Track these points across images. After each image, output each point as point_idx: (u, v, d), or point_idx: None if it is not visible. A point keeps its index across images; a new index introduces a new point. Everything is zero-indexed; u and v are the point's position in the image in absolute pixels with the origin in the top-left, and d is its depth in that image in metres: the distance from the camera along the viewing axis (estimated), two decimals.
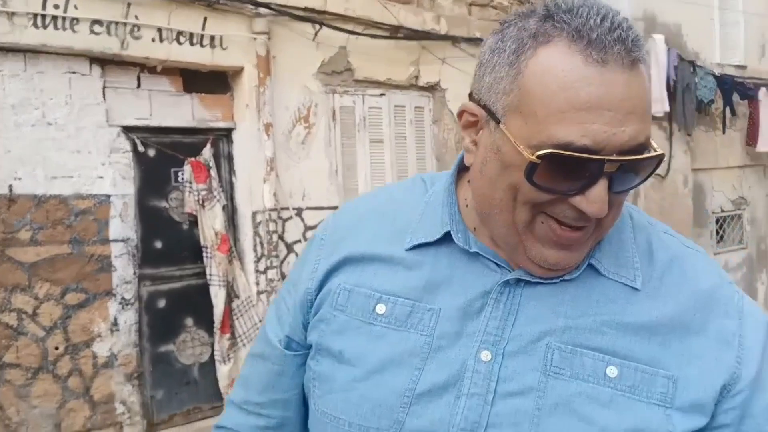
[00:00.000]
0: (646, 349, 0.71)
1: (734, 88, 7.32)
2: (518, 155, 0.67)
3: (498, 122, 0.69)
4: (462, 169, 0.82)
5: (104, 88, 4.02)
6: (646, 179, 0.70)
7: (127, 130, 4.13)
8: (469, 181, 0.79)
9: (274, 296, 4.49)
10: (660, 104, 6.53)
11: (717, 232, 7.69)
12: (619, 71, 0.64)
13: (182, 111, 4.37)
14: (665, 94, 6.53)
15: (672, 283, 0.75)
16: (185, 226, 4.43)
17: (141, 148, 4.18)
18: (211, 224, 4.32)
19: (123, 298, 4.08)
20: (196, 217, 4.34)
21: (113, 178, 4.03)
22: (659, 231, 0.81)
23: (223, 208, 4.44)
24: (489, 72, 0.71)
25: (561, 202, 0.68)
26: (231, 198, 4.63)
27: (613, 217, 0.72)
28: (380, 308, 0.77)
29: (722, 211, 7.74)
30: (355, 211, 0.88)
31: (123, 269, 4.07)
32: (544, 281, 0.74)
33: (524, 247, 0.72)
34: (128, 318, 4.10)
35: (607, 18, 0.65)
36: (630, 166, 0.66)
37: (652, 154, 0.67)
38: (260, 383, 0.90)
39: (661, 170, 6.85)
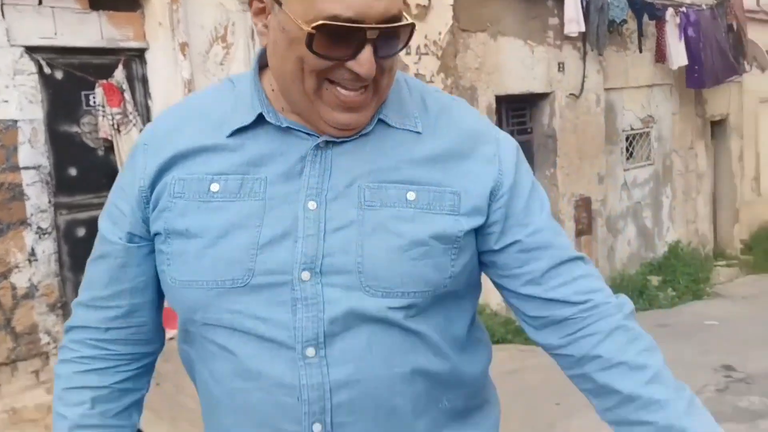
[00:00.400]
0: (433, 175, 0.90)
1: (644, 8, 7.57)
2: (299, 30, 0.80)
3: (280, 4, 0.83)
4: (264, 65, 0.94)
5: (2, 5, 3.74)
6: (404, 47, 0.86)
7: (31, 50, 3.88)
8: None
9: None
10: (575, 24, 6.70)
11: (627, 149, 8.10)
12: None
13: (90, 30, 4.14)
14: (581, 14, 6.68)
15: (444, 125, 0.94)
16: (100, 152, 4.28)
17: (47, 70, 3.96)
18: (128, 149, 4.20)
19: (39, 228, 3.96)
20: (111, 142, 4.20)
21: (19, 101, 3.82)
22: (430, 90, 0.99)
23: (140, 132, 4.31)
24: None
25: (339, 68, 0.83)
26: (147, 122, 4.49)
27: (388, 81, 0.88)
28: (214, 187, 0.89)
29: (632, 129, 8.14)
30: (174, 115, 0.98)
31: (37, 197, 3.93)
32: (348, 140, 0.90)
33: (318, 113, 0.87)
34: (46, 248, 3.99)
35: None
36: (388, 33, 0.81)
37: (405, 23, 0.83)
38: (104, 279, 0.96)
39: (575, 90, 7.11)
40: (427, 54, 5.51)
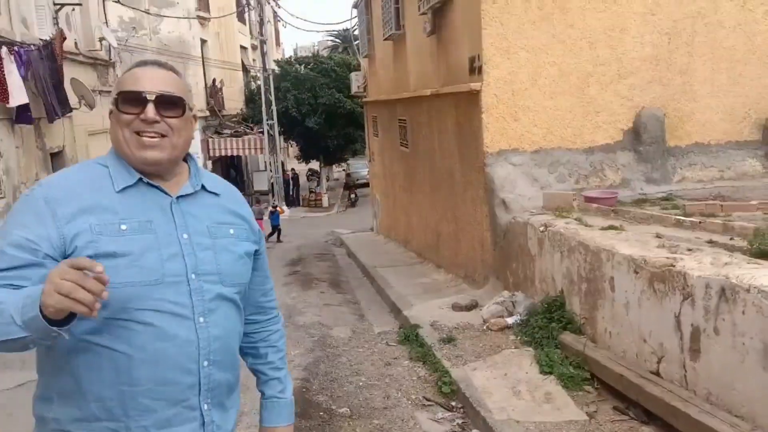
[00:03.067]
0: (236, 219, 1.61)
1: None
2: (114, 102, 1.47)
3: (114, 101, 1.47)
4: None
5: None
6: (179, 113, 1.47)
7: None
8: None
9: None
10: None
11: None
12: (153, 68, 1.49)
13: None
14: None
15: (225, 191, 1.64)
16: None
17: None
18: None
19: None
20: None
21: None
22: (206, 172, 1.67)
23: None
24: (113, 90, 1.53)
25: (136, 120, 1.44)
26: None
27: (181, 138, 1.49)
28: (123, 227, 1.41)
29: None
30: (63, 182, 1.45)
31: None
32: (188, 196, 1.52)
33: (133, 155, 1.45)
34: None
35: (154, 59, 1.55)
36: (162, 99, 1.44)
37: (173, 94, 1.47)
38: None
39: None
40: None
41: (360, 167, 31.53)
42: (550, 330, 4.82)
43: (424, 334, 5.62)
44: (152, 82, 1.44)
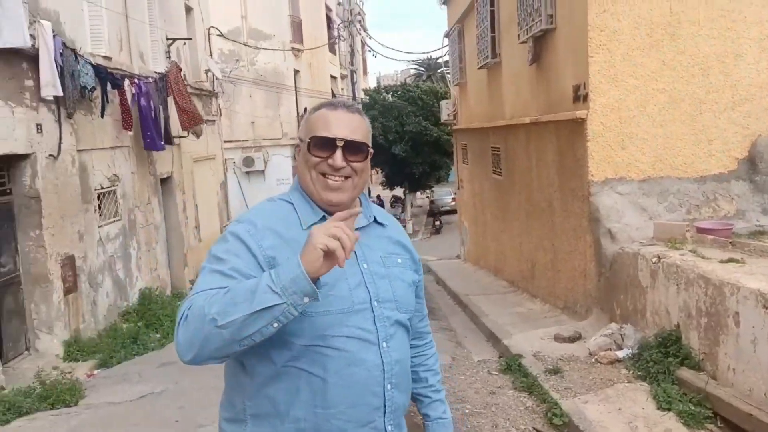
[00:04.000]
0: (401, 249, 1.70)
1: (107, 77, 8.22)
2: (305, 145, 1.56)
3: (302, 141, 1.59)
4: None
5: None
6: (363, 158, 1.57)
7: None
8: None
9: None
10: (52, 88, 6.84)
11: (99, 207, 8.51)
12: (342, 111, 1.57)
13: None
14: (57, 78, 6.86)
15: (389, 222, 1.73)
16: None
17: None
18: None
19: None
20: None
21: None
22: (372, 204, 1.75)
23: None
24: (302, 126, 1.65)
25: (324, 163, 1.54)
26: None
27: (361, 179, 1.58)
28: None
29: (102, 187, 8.60)
30: (260, 217, 1.56)
31: None
32: (363, 227, 1.60)
33: (319, 195, 1.55)
34: None
35: (342, 101, 1.64)
36: (349, 145, 1.53)
37: (359, 141, 1.56)
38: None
39: (53, 151, 7.18)
40: None
41: (444, 194, 31.61)
42: (666, 365, 4.65)
43: (528, 364, 5.54)
44: (340, 128, 1.52)
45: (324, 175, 1.53)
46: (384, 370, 1.52)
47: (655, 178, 6.27)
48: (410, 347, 1.75)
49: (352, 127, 1.54)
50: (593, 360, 5.34)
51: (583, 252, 6.72)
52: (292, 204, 1.58)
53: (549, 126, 7.40)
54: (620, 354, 5.22)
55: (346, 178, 1.54)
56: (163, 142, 10.07)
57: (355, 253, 1.54)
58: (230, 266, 1.44)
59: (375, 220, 1.66)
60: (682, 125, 6.24)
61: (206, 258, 1.52)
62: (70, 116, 7.52)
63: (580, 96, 6.40)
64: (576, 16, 6.44)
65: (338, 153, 1.51)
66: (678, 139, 6.25)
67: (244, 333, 1.31)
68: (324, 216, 1.55)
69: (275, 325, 1.31)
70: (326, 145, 1.51)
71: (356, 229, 1.55)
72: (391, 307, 1.56)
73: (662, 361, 4.69)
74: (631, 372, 4.91)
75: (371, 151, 1.60)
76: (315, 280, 1.30)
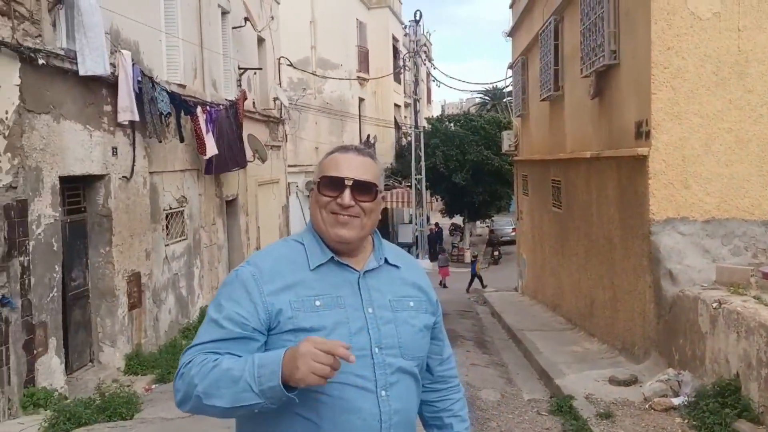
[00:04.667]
0: (415, 291, 1.67)
1: (181, 104, 8.64)
2: (316, 185, 1.60)
3: (315, 184, 1.60)
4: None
5: None
6: (372, 198, 1.58)
7: None
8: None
9: None
10: (129, 113, 7.25)
11: (166, 226, 8.89)
12: (352, 154, 1.60)
13: None
14: (134, 104, 7.27)
15: (405, 263, 1.70)
16: None
17: None
18: None
19: None
20: None
21: None
22: (387, 243, 1.74)
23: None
24: (315, 170, 1.66)
25: (333, 202, 1.56)
26: None
27: (370, 220, 1.59)
28: (318, 302, 1.52)
29: (170, 208, 8.99)
30: (268, 260, 1.57)
31: None
32: (373, 270, 1.61)
33: (328, 232, 1.56)
34: None
35: (354, 145, 1.65)
36: (358, 185, 1.55)
37: (368, 181, 1.57)
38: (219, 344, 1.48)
39: (126, 172, 7.58)
40: None
41: (504, 224, 31.24)
42: (723, 416, 4.45)
43: (579, 407, 5.40)
44: (350, 169, 1.56)
45: (334, 213, 1.56)
46: (381, 420, 1.49)
47: (719, 219, 6.06)
48: (432, 391, 1.75)
49: (362, 168, 1.57)
50: (647, 406, 5.16)
51: (642, 292, 6.53)
52: (302, 244, 1.60)
53: (610, 161, 7.28)
54: (676, 401, 5.03)
55: (355, 217, 1.56)
56: (236, 165, 10.53)
57: (360, 296, 1.55)
58: (225, 314, 1.48)
59: (387, 262, 1.65)
60: (749, 166, 6.04)
61: (214, 298, 1.57)
62: (159, 140, 7.97)
63: (642, 132, 6.29)
64: (639, 52, 6.36)
65: (347, 192, 1.54)
66: (745, 180, 6.04)
67: (228, 414, 1.40)
68: (332, 257, 1.57)
69: (256, 410, 1.38)
70: (335, 184, 1.55)
71: (365, 272, 1.59)
72: (394, 354, 1.53)
73: (719, 411, 4.49)
74: (686, 421, 4.72)
75: (381, 192, 1.62)
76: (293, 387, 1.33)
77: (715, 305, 5.02)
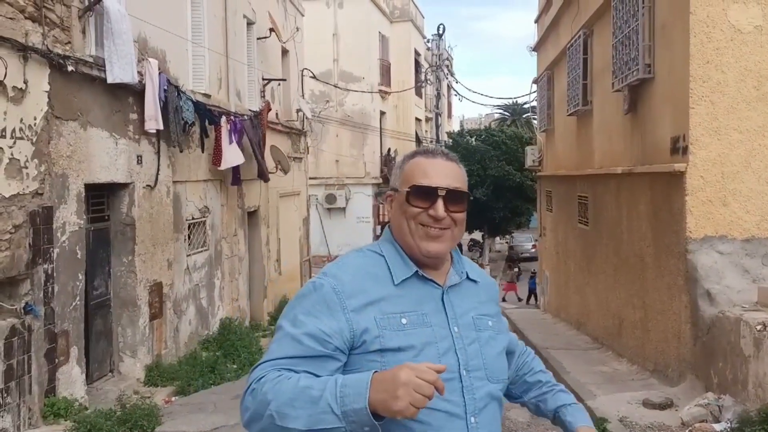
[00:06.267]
0: (494, 309, 1.58)
1: (205, 113, 8.61)
2: (403, 195, 1.47)
3: (397, 190, 1.49)
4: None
5: None
6: (464, 207, 1.47)
7: None
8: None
9: None
10: (155, 122, 7.21)
11: (188, 237, 8.82)
12: (441, 159, 1.49)
13: None
14: (159, 113, 7.23)
15: (482, 278, 1.61)
16: None
17: None
18: None
19: None
20: None
21: None
22: (464, 258, 1.64)
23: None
24: (395, 174, 1.54)
25: (424, 214, 1.44)
26: None
27: (459, 230, 1.49)
28: (404, 320, 1.40)
29: (192, 218, 8.93)
30: (348, 272, 1.44)
31: None
32: (455, 285, 1.50)
33: (418, 246, 1.44)
34: None
35: (439, 149, 1.56)
36: (450, 194, 1.44)
37: (461, 189, 1.47)
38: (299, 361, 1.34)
39: (150, 181, 7.53)
40: (22, 138, 5.19)
41: (524, 241, 30.95)
42: None
43: (613, 430, 5.19)
44: (441, 177, 1.44)
45: (423, 225, 1.44)
46: None
47: (760, 238, 5.84)
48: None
49: (453, 175, 1.46)
50: (687, 431, 4.94)
51: (677, 312, 6.31)
52: (383, 256, 1.47)
53: (643, 177, 7.09)
54: (717, 427, 4.81)
55: (446, 229, 1.45)
56: (261, 176, 10.56)
57: (445, 313, 1.44)
58: (305, 330, 1.35)
59: (468, 277, 1.54)
60: None
61: (285, 311, 1.43)
62: (181, 150, 7.92)
63: (678, 148, 6.11)
64: (677, 66, 6.19)
65: (440, 203, 1.42)
66: None
67: None
68: (417, 271, 1.45)
69: None
70: (427, 194, 1.42)
71: (449, 287, 1.47)
72: (481, 377, 1.43)
73: None
74: None
75: (468, 196, 1.51)
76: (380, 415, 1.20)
77: (759, 327, 4.81)
